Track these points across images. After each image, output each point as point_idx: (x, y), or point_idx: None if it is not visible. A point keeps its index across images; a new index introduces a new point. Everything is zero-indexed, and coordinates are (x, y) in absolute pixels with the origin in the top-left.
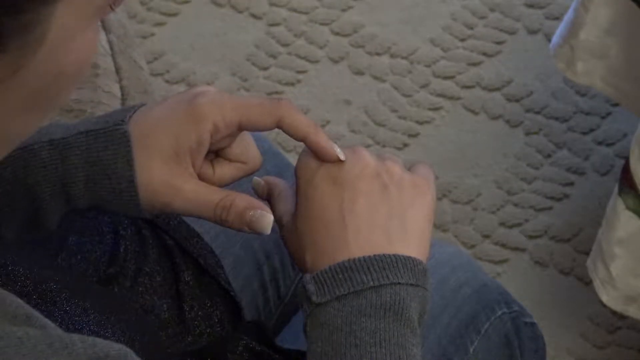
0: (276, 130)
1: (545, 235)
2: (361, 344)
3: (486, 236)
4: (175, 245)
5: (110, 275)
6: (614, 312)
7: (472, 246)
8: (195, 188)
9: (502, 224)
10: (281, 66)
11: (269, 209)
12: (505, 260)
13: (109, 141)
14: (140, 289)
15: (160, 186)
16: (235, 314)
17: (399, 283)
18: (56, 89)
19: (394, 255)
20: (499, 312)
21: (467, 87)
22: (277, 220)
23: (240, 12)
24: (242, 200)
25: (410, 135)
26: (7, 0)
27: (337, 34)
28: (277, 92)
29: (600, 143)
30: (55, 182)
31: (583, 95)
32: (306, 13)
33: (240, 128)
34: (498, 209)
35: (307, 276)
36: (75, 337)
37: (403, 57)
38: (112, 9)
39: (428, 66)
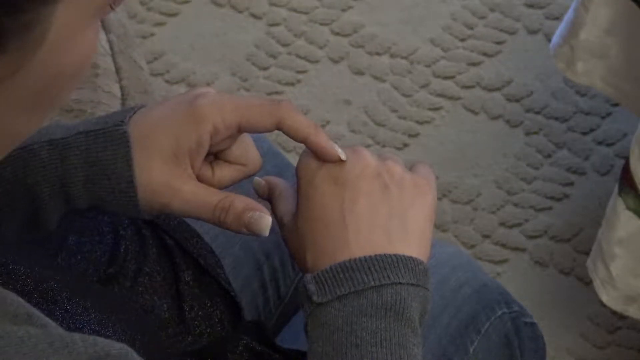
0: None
1: (545, 235)
2: (362, 343)
3: (486, 236)
4: (175, 245)
5: (110, 275)
6: (614, 312)
7: (472, 246)
8: (194, 189)
9: (502, 224)
10: (281, 66)
11: (267, 211)
12: (505, 260)
13: (109, 141)
14: (140, 288)
15: (159, 187)
16: (235, 314)
17: (400, 283)
18: (56, 89)
19: (394, 255)
20: (499, 312)
21: (467, 87)
22: (278, 221)
23: (240, 12)
24: (240, 202)
25: (410, 135)
26: (7, 0)
27: (337, 34)
28: (277, 92)
29: (600, 143)
30: (54, 182)
31: (583, 95)
32: (306, 13)
33: (240, 130)
34: (498, 209)
35: (308, 276)
36: (76, 336)
37: (403, 57)
38: (112, 8)
39: (428, 66)
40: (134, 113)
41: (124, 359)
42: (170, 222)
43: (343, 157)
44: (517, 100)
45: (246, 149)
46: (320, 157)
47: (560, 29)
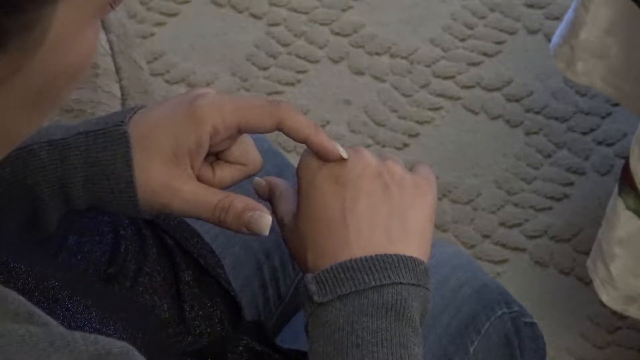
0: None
1: (545, 235)
2: (363, 343)
3: (486, 236)
4: (176, 245)
5: (111, 275)
6: (614, 312)
7: (472, 246)
8: (194, 189)
9: (502, 224)
10: (281, 66)
11: (267, 210)
12: (505, 260)
13: (108, 142)
14: (141, 288)
15: (159, 187)
16: (236, 314)
17: (401, 283)
18: (56, 89)
19: (395, 255)
20: (499, 312)
21: (467, 87)
22: (279, 221)
23: (240, 12)
24: (240, 202)
25: (410, 135)
26: (8, 0)
27: (337, 34)
28: (277, 92)
29: (600, 143)
30: (54, 182)
31: (583, 95)
32: (306, 13)
33: (240, 130)
34: (498, 209)
35: (309, 276)
36: (77, 334)
37: (403, 57)
38: (112, 7)
39: (428, 66)
40: (134, 113)
41: (126, 357)
42: (170, 222)
43: (345, 155)
44: (517, 100)
45: (246, 149)
46: (322, 156)
47: (560, 29)
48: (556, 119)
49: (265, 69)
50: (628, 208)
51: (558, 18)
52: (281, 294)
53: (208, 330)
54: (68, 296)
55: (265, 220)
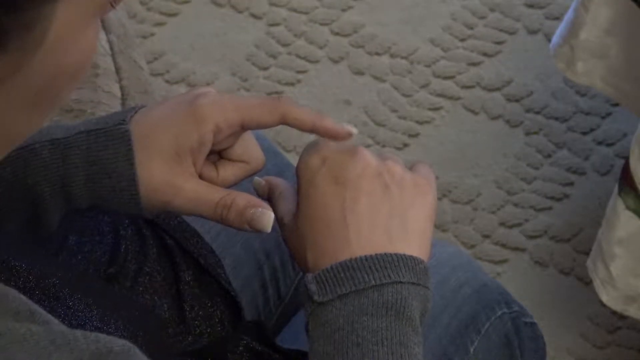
0: (276, 130)
1: (545, 235)
2: (363, 342)
3: (486, 236)
4: (176, 245)
5: (111, 275)
6: (614, 312)
7: (472, 246)
8: (196, 187)
9: (502, 224)
10: (281, 66)
11: (269, 207)
12: (505, 260)
13: (110, 140)
14: (141, 288)
15: (160, 185)
16: (236, 313)
17: (401, 282)
18: (56, 89)
19: (395, 254)
20: (499, 312)
21: (467, 87)
22: (278, 221)
23: (240, 12)
24: (242, 199)
25: (410, 135)
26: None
27: (337, 34)
28: (277, 92)
29: (600, 143)
30: (55, 181)
31: (583, 95)
32: (306, 13)
33: (243, 127)
34: (498, 209)
35: (309, 275)
36: (78, 333)
37: (403, 57)
38: (112, 6)
39: (428, 66)
40: (135, 112)
41: (127, 355)
42: (171, 222)
43: (354, 130)
44: (517, 100)
45: (248, 147)
46: (333, 138)
47: (560, 29)
48: (556, 119)
49: (265, 69)
50: (628, 208)
51: (558, 18)
52: (281, 294)
53: (208, 330)
54: (69, 294)
55: (267, 217)
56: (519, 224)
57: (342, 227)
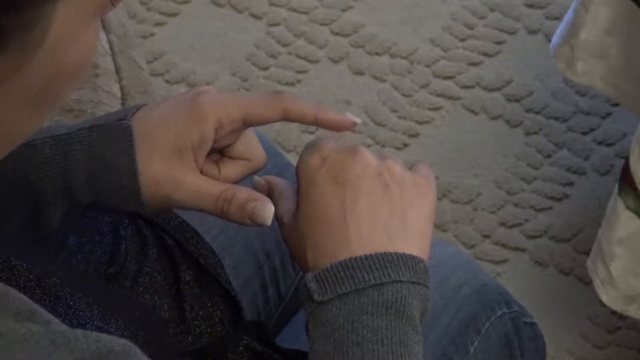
0: (276, 129)
1: (545, 235)
2: (363, 341)
3: (486, 236)
4: (176, 245)
5: (111, 275)
6: (614, 312)
7: (472, 246)
8: (197, 181)
9: (502, 224)
10: (281, 66)
11: (269, 200)
12: (505, 260)
13: (111, 136)
14: (141, 288)
15: (161, 179)
16: (236, 313)
17: (401, 281)
18: (57, 89)
19: (395, 253)
20: (499, 312)
21: (467, 87)
22: (278, 220)
23: (240, 12)
24: (243, 193)
25: (410, 135)
26: None
27: (337, 34)
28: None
29: (600, 143)
30: (56, 177)
31: (583, 95)
32: (306, 13)
33: (245, 122)
34: (498, 209)
35: (309, 275)
36: (79, 332)
37: (403, 57)
38: (113, 5)
39: (428, 66)
40: (137, 110)
41: (127, 355)
42: (171, 222)
43: (358, 120)
44: (517, 100)
45: (250, 144)
46: (337, 129)
47: (560, 29)
48: (556, 119)
49: (265, 69)
50: (628, 208)
51: (558, 18)
52: (281, 294)
53: (208, 330)
54: (70, 293)
55: (268, 210)
56: (519, 224)
57: (342, 226)
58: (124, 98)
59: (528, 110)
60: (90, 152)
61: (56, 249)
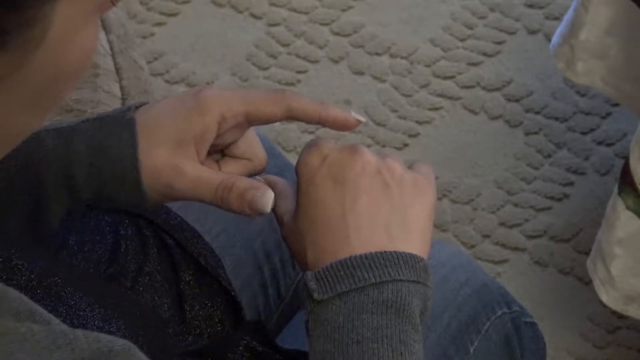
0: (276, 130)
1: (545, 235)
2: (363, 340)
3: (486, 236)
4: (176, 245)
5: (111, 275)
6: (614, 312)
7: (472, 246)
8: (197, 169)
9: (502, 224)
10: (281, 66)
11: (270, 189)
12: (505, 260)
13: (114, 127)
14: (141, 288)
15: (162, 167)
16: (236, 313)
17: (400, 280)
18: (57, 88)
19: (394, 252)
20: (499, 312)
21: (467, 87)
22: (278, 219)
23: (240, 12)
24: (242, 181)
25: (410, 135)
26: None
27: (337, 34)
28: None
29: (600, 143)
30: (58, 169)
31: (583, 95)
32: (306, 13)
33: (249, 118)
34: (498, 209)
35: (309, 273)
36: (79, 332)
37: (403, 57)
38: (113, 3)
39: (428, 66)
40: (140, 106)
41: (128, 355)
42: (171, 222)
43: (362, 118)
44: (517, 100)
45: (251, 144)
46: (341, 128)
47: (560, 29)
48: (556, 119)
49: (265, 69)
50: (628, 208)
51: (558, 18)
52: (281, 294)
53: (208, 330)
54: (70, 293)
55: (267, 197)
56: (519, 224)
57: (342, 225)
58: (124, 98)
59: (528, 110)
60: (92, 143)
61: (57, 249)
